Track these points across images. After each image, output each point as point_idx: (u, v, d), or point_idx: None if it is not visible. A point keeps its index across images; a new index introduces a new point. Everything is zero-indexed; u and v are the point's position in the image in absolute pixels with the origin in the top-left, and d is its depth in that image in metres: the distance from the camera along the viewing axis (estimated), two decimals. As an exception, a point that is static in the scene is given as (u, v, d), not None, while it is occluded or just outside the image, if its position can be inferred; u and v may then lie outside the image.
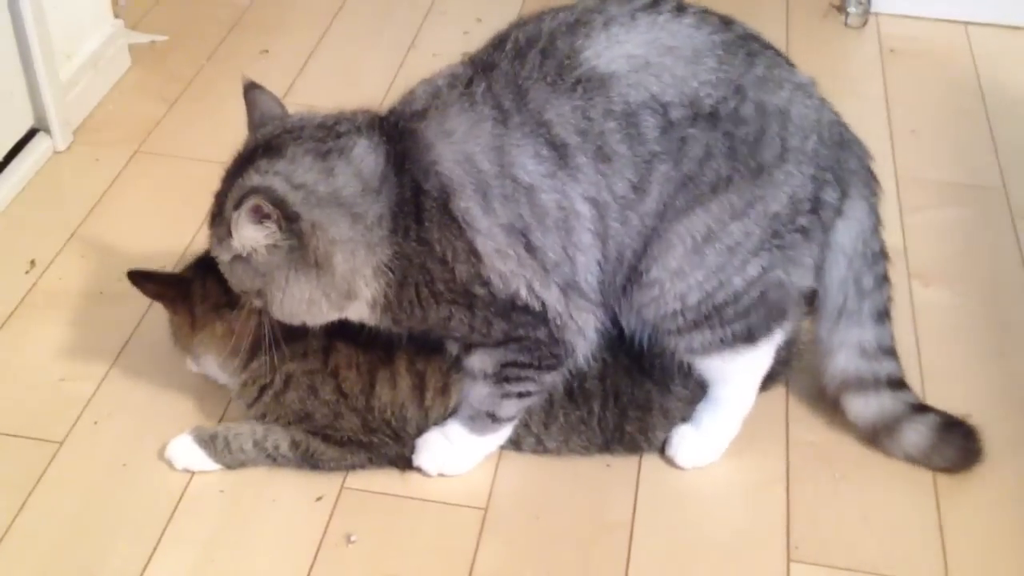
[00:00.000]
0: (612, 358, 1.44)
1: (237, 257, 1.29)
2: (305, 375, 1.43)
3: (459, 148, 1.26)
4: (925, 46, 2.43)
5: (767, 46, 1.36)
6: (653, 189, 1.28)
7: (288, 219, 1.24)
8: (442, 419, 1.46)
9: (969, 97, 2.27)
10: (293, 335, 1.39)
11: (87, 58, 2.10)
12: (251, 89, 1.38)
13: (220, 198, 1.31)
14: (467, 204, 1.25)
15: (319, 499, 1.45)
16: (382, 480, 1.47)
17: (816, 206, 1.35)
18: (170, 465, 1.47)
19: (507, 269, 1.28)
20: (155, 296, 1.49)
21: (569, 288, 1.31)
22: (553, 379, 1.41)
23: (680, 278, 1.32)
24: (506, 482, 1.48)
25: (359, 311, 1.33)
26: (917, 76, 2.34)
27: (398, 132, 1.29)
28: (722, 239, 1.31)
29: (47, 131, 1.99)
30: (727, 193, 1.29)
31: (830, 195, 1.37)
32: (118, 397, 1.57)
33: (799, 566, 1.39)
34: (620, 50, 1.26)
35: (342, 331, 1.41)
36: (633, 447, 1.49)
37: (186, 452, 1.46)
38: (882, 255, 1.48)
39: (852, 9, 2.49)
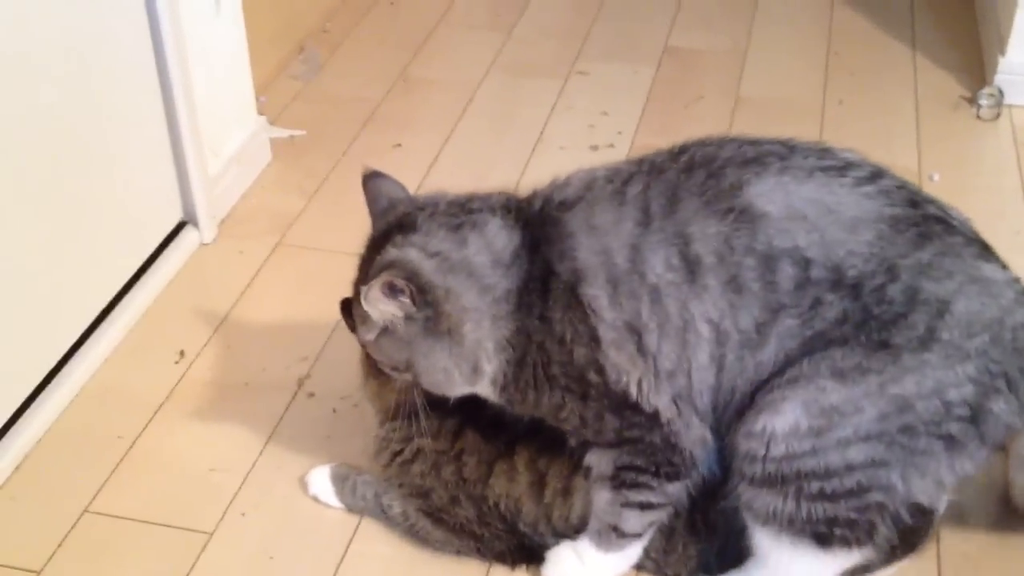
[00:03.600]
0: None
1: (383, 332, 1.33)
2: (432, 453, 1.46)
3: (598, 241, 1.27)
4: (1060, 138, 2.39)
5: (956, 232, 1.27)
6: (772, 339, 1.24)
7: (422, 291, 1.28)
8: (563, 521, 1.44)
9: (1109, 191, 2.21)
10: (432, 414, 1.42)
11: (232, 153, 2.19)
12: (372, 177, 1.43)
13: (359, 283, 1.35)
14: (596, 292, 1.26)
15: (464, 598, 1.45)
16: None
17: (976, 415, 1.23)
18: (304, 489, 1.57)
19: (621, 361, 1.28)
20: (352, 330, 1.49)
21: (682, 400, 1.29)
22: (676, 491, 1.36)
23: (763, 416, 1.25)
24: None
25: (485, 388, 1.35)
26: (1054, 169, 2.30)
27: (540, 217, 1.32)
28: (811, 392, 1.22)
29: (195, 224, 2.07)
30: (837, 353, 1.22)
31: (999, 407, 1.24)
32: (265, 488, 1.60)
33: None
34: (783, 197, 1.24)
35: (475, 418, 1.43)
36: None
37: (320, 482, 1.56)
38: None
39: (984, 102, 2.46)
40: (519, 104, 2.54)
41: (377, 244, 1.34)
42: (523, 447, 1.44)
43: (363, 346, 1.39)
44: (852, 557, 1.31)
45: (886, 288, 1.22)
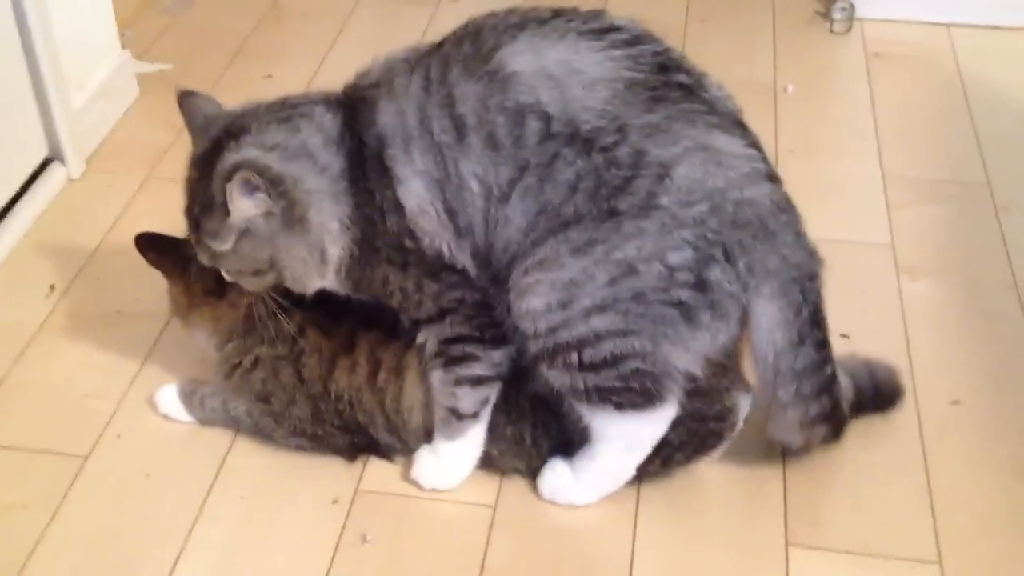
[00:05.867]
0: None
1: (242, 236, 1.35)
2: (271, 359, 1.52)
3: (395, 104, 1.33)
4: (909, 49, 2.50)
5: (698, 100, 1.30)
6: (517, 198, 1.30)
7: (273, 183, 1.31)
8: (395, 404, 1.49)
9: (953, 96, 2.33)
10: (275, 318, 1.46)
11: (97, 88, 2.18)
12: (187, 96, 1.45)
13: (195, 198, 1.37)
14: (395, 152, 1.33)
15: (335, 501, 1.51)
16: (397, 482, 1.53)
17: (701, 284, 1.29)
18: (154, 408, 1.61)
19: (429, 225, 1.34)
20: (155, 265, 1.56)
21: (478, 259, 1.36)
22: (501, 358, 1.42)
23: (525, 299, 1.32)
24: (514, 479, 1.54)
25: (330, 278, 1.40)
26: (902, 78, 2.41)
27: (351, 98, 1.38)
28: (554, 271, 1.30)
29: (61, 160, 2.07)
30: (573, 232, 1.29)
31: (716, 275, 1.29)
32: (139, 410, 1.64)
33: (797, 550, 1.45)
34: (532, 58, 1.30)
35: (315, 318, 1.49)
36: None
37: (169, 400, 1.61)
38: (811, 370, 1.37)
39: (837, 16, 2.56)
40: (391, 31, 2.56)
41: (207, 159, 1.36)
42: (363, 340, 1.50)
43: (211, 264, 1.40)
44: (657, 415, 1.39)
45: (616, 149, 1.27)
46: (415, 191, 1.33)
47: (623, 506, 1.50)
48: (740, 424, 1.50)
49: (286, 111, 1.37)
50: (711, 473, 1.52)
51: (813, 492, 1.52)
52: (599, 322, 1.31)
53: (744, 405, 1.49)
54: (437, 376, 1.45)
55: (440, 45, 1.37)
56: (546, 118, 1.29)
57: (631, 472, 1.47)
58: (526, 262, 1.32)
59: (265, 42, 2.52)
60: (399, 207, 1.34)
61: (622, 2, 2.64)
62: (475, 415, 1.46)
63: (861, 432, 1.58)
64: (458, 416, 1.46)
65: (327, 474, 1.54)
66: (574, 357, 1.34)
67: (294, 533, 1.48)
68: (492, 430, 1.49)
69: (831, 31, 2.56)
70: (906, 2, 2.56)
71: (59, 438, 1.60)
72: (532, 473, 1.51)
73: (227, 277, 1.44)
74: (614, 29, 1.33)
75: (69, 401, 1.66)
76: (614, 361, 1.33)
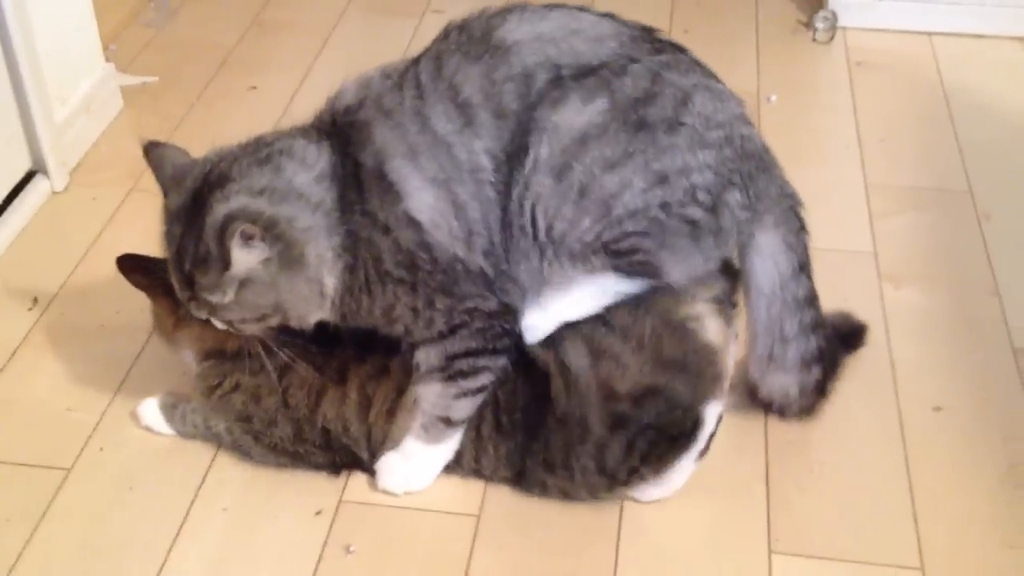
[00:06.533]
0: (527, 387, 1.45)
1: (243, 285, 1.33)
2: (252, 386, 1.51)
3: (391, 120, 1.34)
4: (891, 58, 2.51)
5: (687, 53, 1.42)
6: (532, 143, 1.33)
7: (268, 228, 1.30)
8: (381, 437, 1.49)
9: (935, 104, 2.35)
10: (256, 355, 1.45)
11: (80, 101, 2.18)
12: (153, 148, 1.41)
13: (183, 254, 1.33)
14: (398, 163, 1.33)
15: (318, 513, 1.51)
16: (380, 493, 1.53)
17: (715, 205, 1.38)
18: (136, 421, 1.61)
19: (442, 235, 1.34)
20: (139, 287, 1.55)
21: (490, 256, 1.37)
22: (505, 363, 1.43)
23: (568, 231, 1.36)
24: (497, 488, 1.54)
25: (326, 309, 1.39)
26: (884, 87, 2.42)
27: (335, 126, 1.37)
28: (593, 192, 1.34)
29: (45, 173, 2.07)
30: (603, 147, 1.33)
31: (734, 199, 1.39)
32: (122, 424, 1.63)
33: (780, 557, 1.45)
34: (530, 28, 1.36)
35: (305, 353, 1.46)
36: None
37: (150, 413, 1.61)
38: (808, 302, 1.49)
39: (819, 25, 2.57)
40: (375, 43, 2.57)
41: (191, 212, 1.32)
42: (354, 374, 1.49)
43: (209, 316, 1.38)
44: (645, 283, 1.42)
45: (629, 69, 1.34)
46: (427, 202, 1.33)
47: (607, 514, 1.50)
48: (711, 430, 1.46)
49: (264, 151, 1.35)
50: (693, 480, 1.52)
51: (796, 498, 1.53)
52: (630, 224, 1.36)
53: (713, 414, 1.46)
54: (435, 390, 1.44)
55: (418, 58, 1.38)
56: (555, 68, 1.33)
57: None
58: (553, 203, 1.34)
59: (249, 54, 2.53)
60: (412, 222, 1.33)
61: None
62: (464, 421, 1.47)
63: (844, 437, 1.59)
64: (448, 423, 1.46)
65: (310, 486, 1.54)
66: (599, 244, 1.37)
67: (278, 545, 1.48)
68: (483, 453, 1.49)
69: (814, 40, 2.57)
70: (888, 11, 2.58)
71: (41, 451, 1.59)
72: (519, 482, 1.51)
73: (220, 326, 1.40)
74: (587, 8, 1.41)
75: (52, 414, 1.65)
76: (628, 252, 1.38)
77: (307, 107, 2.30)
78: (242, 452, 1.56)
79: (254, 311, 1.36)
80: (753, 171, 1.41)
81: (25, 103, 2.00)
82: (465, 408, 1.45)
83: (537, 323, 1.44)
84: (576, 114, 1.33)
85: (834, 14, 2.57)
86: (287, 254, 1.32)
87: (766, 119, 2.28)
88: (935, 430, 1.62)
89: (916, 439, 1.61)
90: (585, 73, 1.33)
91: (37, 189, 2.05)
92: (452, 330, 1.39)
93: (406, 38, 2.57)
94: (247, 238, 1.29)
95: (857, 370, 1.67)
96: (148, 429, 1.61)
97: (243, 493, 1.54)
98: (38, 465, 1.57)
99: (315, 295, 1.36)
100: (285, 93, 2.38)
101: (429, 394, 1.44)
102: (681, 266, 1.40)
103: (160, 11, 2.64)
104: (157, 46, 2.54)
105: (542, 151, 1.33)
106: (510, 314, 1.41)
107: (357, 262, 1.35)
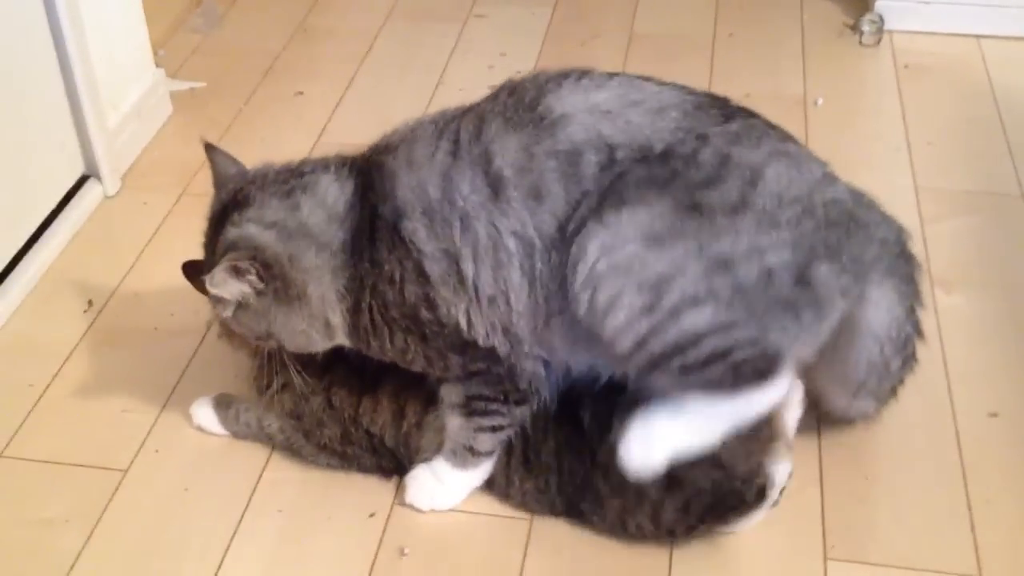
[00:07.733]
0: (563, 433, 1.43)
1: (238, 308, 1.38)
2: (300, 386, 1.51)
3: (415, 176, 1.32)
4: (939, 61, 2.49)
5: (757, 117, 1.34)
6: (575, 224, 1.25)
7: (266, 265, 1.32)
8: (416, 448, 1.50)
9: (983, 107, 2.32)
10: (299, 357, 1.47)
11: (132, 107, 2.20)
12: (210, 151, 1.46)
13: (207, 259, 1.39)
14: (414, 225, 1.31)
15: (372, 515, 1.51)
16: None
17: (804, 280, 1.27)
18: (189, 421, 1.62)
19: (447, 294, 1.32)
20: (202, 291, 1.56)
21: (508, 333, 1.33)
22: (523, 413, 1.42)
23: (607, 320, 1.25)
24: (550, 493, 1.54)
25: (342, 339, 1.40)
26: (932, 90, 2.40)
27: (367, 164, 1.37)
28: (636, 272, 1.22)
29: (97, 178, 2.09)
30: (644, 216, 1.22)
31: (824, 273, 1.28)
32: (177, 425, 1.65)
33: (836, 564, 1.44)
34: (584, 99, 1.28)
35: (342, 356, 1.47)
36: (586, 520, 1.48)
37: (204, 413, 1.62)
38: (914, 335, 1.47)
39: (866, 28, 2.55)
40: (419, 48, 2.58)
41: (217, 222, 1.38)
42: (386, 382, 1.50)
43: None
44: (774, 387, 1.30)
45: (697, 153, 1.25)
46: (440, 261, 1.31)
47: (660, 519, 1.50)
48: (776, 495, 1.42)
49: (290, 183, 1.36)
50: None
51: (851, 506, 1.52)
52: (695, 318, 1.23)
53: (781, 475, 1.41)
54: (457, 422, 1.44)
55: (471, 107, 1.35)
56: (608, 149, 1.25)
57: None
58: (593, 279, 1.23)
59: (295, 60, 2.54)
60: (422, 275, 1.31)
61: (650, 17, 2.66)
62: (492, 453, 1.47)
63: (899, 444, 1.58)
64: (474, 453, 1.46)
65: (364, 487, 1.55)
66: (675, 363, 1.25)
67: (332, 547, 1.48)
68: (511, 484, 1.49)
69: (860, 43, 2.56)
70: (935, 14, 2.55)
71: (98, 453, 1.61)
72: (555, 514, 1.50)
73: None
74: (649, 78, 1.35)
75: (107, 416, 1.67)
76: (722, 355, 1.25)
77: (354, 110, 2.37)
78: (294, 451, 1.57)
79: (249, 331, 1.41)
80: (842, 236, 1.30)
81: (79, 109, 2.03)
82: (487, 442, 1.45)
83: (641, 455, 1.31)
84: (630, 224, 1.22)
85: (881, 17, 2.55)
86: (285, 291, 1.34)
87: (813, 123, 2.27)
88: (991, 436, 1.61)
89: (972, 445, 1.59)
90: (641, 159, 1.24)
91: (90, 194, 2.07)
92: (469, 376, 1.39)
93: (450, 43, 2.58)
94: (240, 271, 1.32)
95: (911, 376, 1.65)
96: (200, 429, 1.62)
97: (297, 495, 1.55)
98: (95, 466, 1.59)
99: (317, 330, 1.38)
100: (331, 98, 2.39)
101: (453, 425, 1.45)
102: (780, 336, 1.27)
103: (207, 17, 2.66)
104: (204, 52, 2.56)
105: (589, 258, 1.23)
106: (525, 384, 1.38)
107: (360, 304, 1.35)
